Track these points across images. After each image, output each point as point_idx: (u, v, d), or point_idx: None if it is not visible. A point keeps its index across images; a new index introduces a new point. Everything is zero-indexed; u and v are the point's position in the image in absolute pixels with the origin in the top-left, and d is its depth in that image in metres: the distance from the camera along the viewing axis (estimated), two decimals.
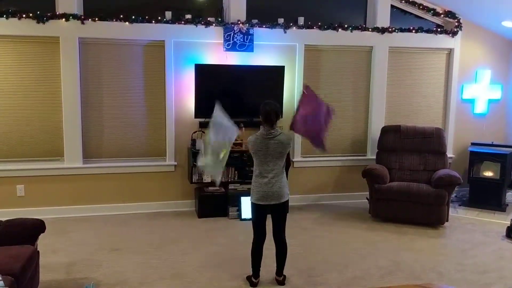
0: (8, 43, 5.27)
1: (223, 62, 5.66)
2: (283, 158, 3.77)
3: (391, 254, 4.58)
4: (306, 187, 6.30)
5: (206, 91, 5.53)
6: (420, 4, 6.29)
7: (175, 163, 5.84)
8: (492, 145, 6.44)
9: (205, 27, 5.65)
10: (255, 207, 3.81)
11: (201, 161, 3.92)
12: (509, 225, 5.16)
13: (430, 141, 5.90)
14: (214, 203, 5.64)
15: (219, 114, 3.74)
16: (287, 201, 3.83)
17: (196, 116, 5.69)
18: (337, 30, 6.00)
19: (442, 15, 6.39)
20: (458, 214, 5.93)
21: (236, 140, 5.71)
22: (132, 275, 4.02)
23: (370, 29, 6.15)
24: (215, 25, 5.68)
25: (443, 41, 6.42)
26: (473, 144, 6.53)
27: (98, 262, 4.27)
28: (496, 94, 6.73)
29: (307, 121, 3.92)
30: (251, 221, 3.91)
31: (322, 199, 6.36)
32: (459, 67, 6.56)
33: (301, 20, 5.96)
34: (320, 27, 5.99)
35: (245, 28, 5.71)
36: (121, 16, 5.44)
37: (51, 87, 5.43)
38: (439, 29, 6.40)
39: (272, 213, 3.81)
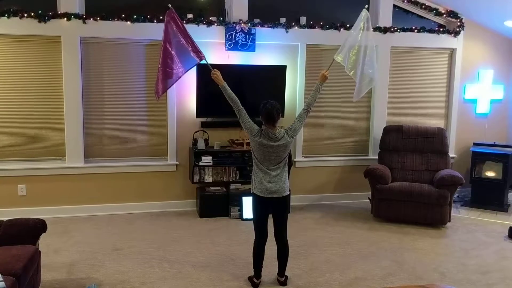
0: (9, 42, 5.26)
1: (225, 62, 5.65)
2: (286, 156, 3.79)
3: (393, 255, 4.57)
4: (308, 187, 6.28)
5: (207, 90, 5.51)
6: (423, 4, 6.28)
7: (177, 162, 5.83)
8: (494, 145, 6.42)
9: (207, 26, 5.64)
10: (257, 199, 3.78)
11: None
12: (511, 225, 5.15)
13: (432, 141, 5.88)
14: (215, 203, 5.62)
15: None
16: (289, 196, 3.83)
17: (198, 115, 5.69)
18: (339, 30, 5.99)
19: (444, 15, 6.38)
20: (460, 215, 5.91)
21: (237, 140, 5.76)
22: (134, 274, 4.01)
23: (372, 29, 6.12)
24: (217, 25, 5.67)
25: (446, 41, 6.40)
26: (475, 144, 6.51)
27: (99, 262, 4.26)
28: (498, 94, 6.72)
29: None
30: (252, 222, 3.91)
31: (323, 199, 6.35)
32: (461, 67, 6.54)
33: (303, 20, 5.95)
34: (322, 27, 5.98)
35: (247, 28, 5.70)
36: (123, 15, 5.44)
37: (52, 86, 5.43)
38: (441, 29, 6.38)
39: (274, 210, 3.80)
